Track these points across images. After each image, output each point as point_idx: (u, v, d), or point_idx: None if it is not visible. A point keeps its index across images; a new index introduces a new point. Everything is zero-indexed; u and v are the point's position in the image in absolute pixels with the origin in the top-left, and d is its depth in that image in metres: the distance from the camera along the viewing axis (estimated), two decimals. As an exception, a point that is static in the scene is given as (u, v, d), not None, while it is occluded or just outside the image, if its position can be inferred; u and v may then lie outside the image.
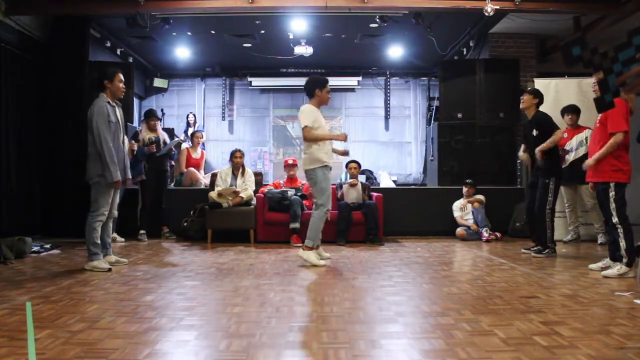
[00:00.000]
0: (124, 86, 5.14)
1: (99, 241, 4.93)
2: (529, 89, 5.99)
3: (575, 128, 6.77)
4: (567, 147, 6.77)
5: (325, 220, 5.24)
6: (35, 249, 5.94)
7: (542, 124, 5.64)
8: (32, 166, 7.25)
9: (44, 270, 4.82)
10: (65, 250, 6.14)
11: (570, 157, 6.72)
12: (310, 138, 5.17)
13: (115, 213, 5.31)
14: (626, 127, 4.43)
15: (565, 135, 6.81)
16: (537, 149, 5.53)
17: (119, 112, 5.12)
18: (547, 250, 5.66)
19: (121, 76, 5.09)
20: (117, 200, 5.33)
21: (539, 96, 5.77)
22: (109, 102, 4.98)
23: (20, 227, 6.54)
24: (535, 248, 5.77)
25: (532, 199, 5.77)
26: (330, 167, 5.27)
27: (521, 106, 5.85)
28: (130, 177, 5.38)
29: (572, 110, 6.76)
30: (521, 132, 6.04)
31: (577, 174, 6.67)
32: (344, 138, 5.33)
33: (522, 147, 6.06)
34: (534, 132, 5.68)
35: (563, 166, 6.79)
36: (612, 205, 4.45)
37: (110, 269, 4.82)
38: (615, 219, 4.45)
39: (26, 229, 6.52)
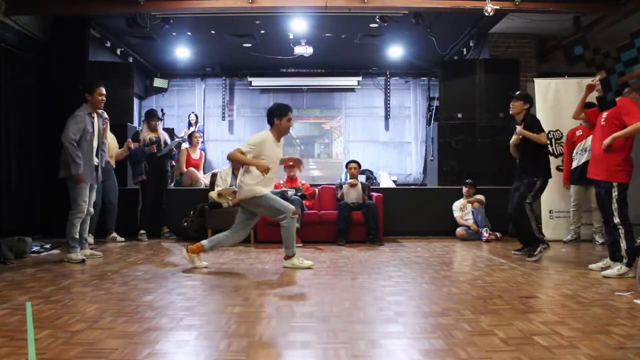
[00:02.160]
0: (103, 99, 5.52)
1: (77, 236, 5.39)
2: (517, 93, 5.80)
3: (592, 127, 6.68)
4: (580, 147, 6.72)
5: (296, 221, 5.06)
6: (35, 249, 5.95)
7: (531, 125, 5.54)
8: (32, 166, 7.26)
9: (44, 270, 4.82)
10: (65, 250, 6.13)
11: (584, 157, 6.65)
12: (232, 159, 4.98)
13: (92, 211, 5.65)
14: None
15: (580, 132, 6.76)
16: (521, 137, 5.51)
17: (96, 122, 5.53)
18: (540, 248, 5.46)
19: (102, 90, 5.49)
20: (94, 199, 5.67)
21: (529, 101, 5.71)
22: (89, 113, 5.41)
23: (20, 227, 6.55)
24: (525, 249, 5.71)
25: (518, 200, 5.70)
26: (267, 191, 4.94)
27: (511, 112, 5.72)
28: (101, 180, 5.75)
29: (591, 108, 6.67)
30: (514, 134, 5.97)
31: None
32: (265, 170, 4.76)
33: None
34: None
35: (575, 166, 6.77)
36: (615, 206, 4.45)
37: (84, 260, 5.29)
38: (617, 220, 4.44)
39: (26, 229, 6.53)
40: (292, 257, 4.98)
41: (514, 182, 5.78)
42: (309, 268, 4.92)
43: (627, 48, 3.69)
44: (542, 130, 5.61)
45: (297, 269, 4.89)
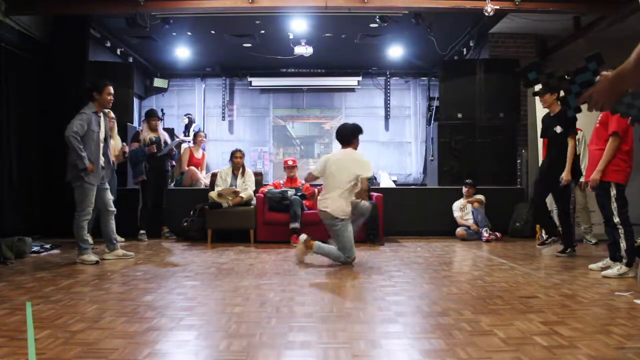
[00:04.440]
0: (112, 98, 5.45)
1: (87, 237, 5.32)
2: (540, 89, 5.77)
3: None
4: None
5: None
6: (35, 249, 5.95)
7: (568, 121, 5.48)
8: (32, 166, 7.26)
9: (44, 270, 4.82)
10: (66, 250, 6.14)
11: None
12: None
13: (114, 209, 5.59)
14: (616, 127, 4.43)
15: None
16: (564, 177, 5.51)
17: (102, 122, 5.44)
18: (569, 250, 5.65)
19: (110, 89, 5.41)
20: (111, 196, 5.63)
21: (557, 90, 5.71)
22: (95, 112, 5.33)
23: (20, 227, 6.55)
24: (567, 251, 5.76)
25: (541, 191, 5.75)
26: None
27: (543, 106, 5.75)
28: (107, 185, 5.59)
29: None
30: (542, 130, 5.94)
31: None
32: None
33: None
34: (558, 129, 5.56)
35: None
36: (614, 205, 4.46)
37: (98, 262, 5.20)
38: (616, 219, 4.45)
39: (26, 229, 6.53)
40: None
41: (542, 170, 5.79)
42: None
43: (582, 71, 3.83)
44: (574, 131, 5.61)
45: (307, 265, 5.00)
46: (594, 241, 6.72)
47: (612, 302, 3.51)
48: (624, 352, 2.47)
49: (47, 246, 6.16)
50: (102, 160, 5.39)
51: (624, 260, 4.41)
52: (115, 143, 6.88)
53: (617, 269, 4.43)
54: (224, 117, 12.00)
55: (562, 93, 3.20)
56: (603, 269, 4.62)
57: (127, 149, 7.03)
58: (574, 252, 5.67)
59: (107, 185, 5.54)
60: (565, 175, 5.51)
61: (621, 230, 4.44)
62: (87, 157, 5.17)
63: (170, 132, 9.39)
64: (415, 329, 2.91)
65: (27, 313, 3.16)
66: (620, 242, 4.44)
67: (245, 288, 4.01)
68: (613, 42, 7.82)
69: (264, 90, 12.11)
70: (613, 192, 4.47)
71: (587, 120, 6.43)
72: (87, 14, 7.61)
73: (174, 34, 8.96)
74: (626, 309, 3.33)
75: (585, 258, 5.53)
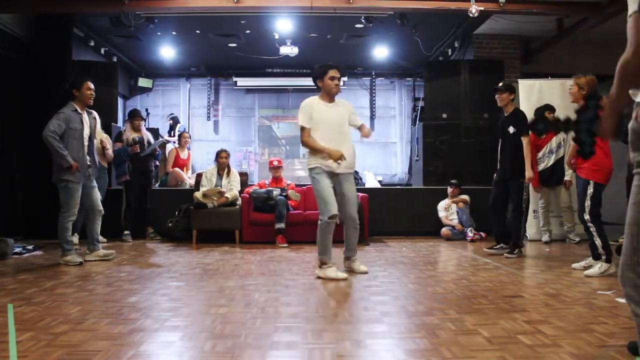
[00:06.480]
0: (92, 93, 5.38)
1: (71, 239, 5.31)
2: (501, 85, 5.85)
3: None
4: (546, 149, 6.82)
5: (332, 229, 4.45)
6: (17, 250, 5.87)
7: (520, 121, 5.69)
8: (14, 166, 7.17)
9: (26, 272, 4.76)
10: (48, 251, 6.07)
11: (551, 159, 6.80)
12: (305, 144, 4.63)
13: (101, 209, 5.53)
14: None
15: (543, 135, 6.87)
16: (527, 176, 5.62)
17: (86, 119, 5.37)
18: (517, 251, 5.68)
19: (90, 85, 5.36)
20: (99, 196, 5.56)
21: (514, 91, 5.85)
22: (76, 110, 5.27)
23: (3, 228, 6.47)
24: (505, 247, 5.79)
25: (498, 195, 5.80)
26: (329, 170, 4.59)
27: (499, 104, 5.79)
28: (95, 184, 5.52)
29: (549, 110, 6.79)
30: (496, 129, 6.01)
31: (555, 175, 6.79)
32: (338, 157, 4.60)
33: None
34: (511, 129, 5.67)
35: (543, 168, 6.86)
36: (587, 202, 4.55)
37: (81, 263, 5.15)
38: (587, 216, 4.54)
39: (8, 230, 6.44)
40: (324, 264, 4.49)
41: (497, 180, 5.84)
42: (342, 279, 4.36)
43: (584, 110, 4.06)
44: (527, 131, 5.72)
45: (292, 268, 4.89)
46: (577, 240, 6.81)
47: (594, 301, 3.55)
48: (605, 350, 2.50)
49: (30, 247, 6.08)
50: (87, 159, 5.32)
51: (603, 257, 4.49)
52: (104, 141, 6.74)
53: (598, 267, 4.50)
54: (209, 117, 11.96)
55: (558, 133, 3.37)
56: (585, 268, 4.68)
57: (107, 144, 6.85)
58: (520, 253, 5.71)
59: (95, 184, 5.48)
60: (527, 174, 5.62)
61: (593, 228, 4.54)
62: (68, 155, 5.11)
63: (155, 132, 9.33)
64: (400, 329, 2.92)
65: (8, 315, 3.11)
66: (595, 240, 4.52)
67: (231, 289, 4.00)
68: (596, 43, 7.94)
69: (249, 90, 12.09)
70: (590, 190, 4.54)
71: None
72: (71, 13, 7.53)
73: (159, 33, 8.90)
74: (608, 307, 3.37)
75: (568, 257, 5.60)
